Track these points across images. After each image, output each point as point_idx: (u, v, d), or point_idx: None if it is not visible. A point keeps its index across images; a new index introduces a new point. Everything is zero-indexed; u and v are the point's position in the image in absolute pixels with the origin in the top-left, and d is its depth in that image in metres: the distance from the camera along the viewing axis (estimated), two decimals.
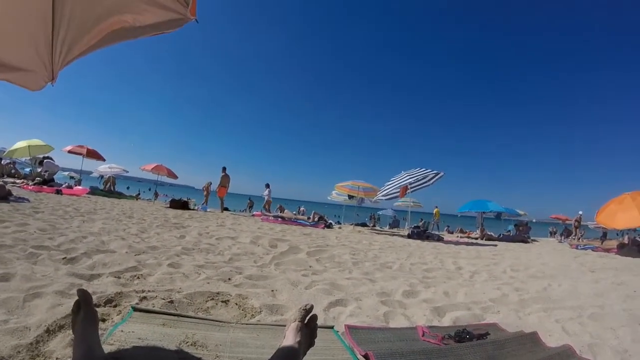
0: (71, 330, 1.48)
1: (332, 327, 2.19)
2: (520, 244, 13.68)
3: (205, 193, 15.76)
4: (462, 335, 2.23)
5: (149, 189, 30.21)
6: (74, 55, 1.90)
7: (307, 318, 1.62)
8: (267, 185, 16.35)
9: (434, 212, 22.61)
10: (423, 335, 2.22)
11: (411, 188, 12.52)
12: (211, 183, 15.66)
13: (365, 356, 1.78)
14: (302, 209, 21.11)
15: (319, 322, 1.68)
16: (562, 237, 21.20)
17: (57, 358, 1.46)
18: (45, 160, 14.78)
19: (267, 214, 13.65)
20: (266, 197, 15.78)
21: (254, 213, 15.08)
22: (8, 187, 8.61)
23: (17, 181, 13.73)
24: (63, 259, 3.06)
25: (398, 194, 12.95)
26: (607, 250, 11.22)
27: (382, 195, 13.45)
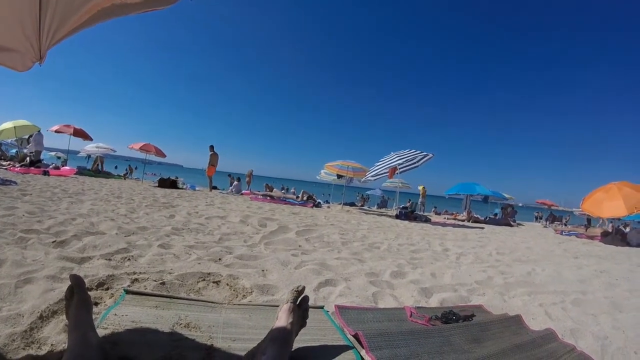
0: (65, 316, 1.48)
1: (322, 307, 2.24)
2: (506, 227, 13.90)
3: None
4: (449, 316, 2.29)
5: (135, 168, 29.95)
6: (62, 34, 1.85)
7: (299, 299, 1.66)
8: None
9: (420, 190, 22.46)
10: (411, 316, 2.28)
11: (400, 169, 12.59)
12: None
13: (355, 336, 1.81)
14: (292, 189, 21.18)
15: (310, 302, 1.72)
16: (547, 222, 21.63)
17: (51, 344, 1.46)
18: (35, 134, 14.50)
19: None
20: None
21: (243, 192, 15.07)
22: None
23: (4, 163, 13.47)
24: (53, 242, 3.03)
25: (387, 174, 13.03)
26: (591, 238, 11.44)
27: (371, 176, 13.53)
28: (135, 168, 30.08)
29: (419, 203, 21.87)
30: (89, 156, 22.11)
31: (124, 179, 16.36)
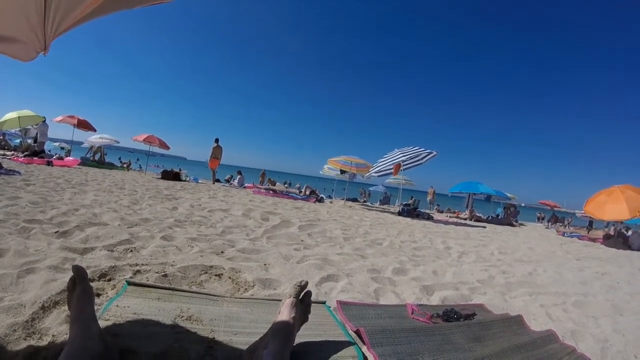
0: (67, 307, 1.48)
1: (324, 303, 2.23)
2: (508, 227, 13.86)
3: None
4: (450, 314, 2.29)
5: (137, 159, 29.92)
6: (67, 25, 1.84)
7: (302, 294, 1.65)
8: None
9: (429, 191, 23.12)
10: (412, 313, 2.27)
11: (404, 166, 12.57)
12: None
13: (357, 332, 1.81)
14: (297, 185, 21.30)
15: (311, 297, 1.72)
16: (550, 223, 21.60)
17: (53, 335, 1.46)
18: (40, 124, 14.51)
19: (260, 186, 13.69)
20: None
21: (246, 185, 15.09)
22: None
23: (7, 153, 13.52)
24: (55, 232, 3.04)
25: (391, 171, 13.02)
26: (593, 240, 11.39)
27: (375, 172, 13.51)
28: (137, 160, 30.03)
29: (427, 202, 22.25)
30: (91, 147, 22.22)
31: (127, 170, 16.40)
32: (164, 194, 7.37)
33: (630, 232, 13.54)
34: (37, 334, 1.46)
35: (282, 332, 1.43)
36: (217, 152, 14.42)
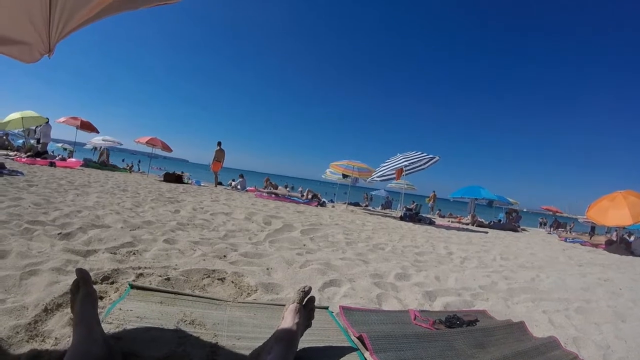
0: (70, 309, 1.48)
1: (326, 308, 2.23)
2: (510, 232, 13.80)
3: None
4: (453, 320, 2.28)
5: (139, 162, 29.98)
6: (72, 26, 1.84)
7: (305, 299, 1.65)
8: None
9: (430, 196, 23.13)
10: (415, 319, 2.27)
11: (406, 171, 12.56)
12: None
13: (360, 338, 1.81)
14: (300, 188, 21.35)
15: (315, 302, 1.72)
16: (552, 229, 21.53)
17: (56, 338, 1.46)
18: (43, 125, 14.55)
19: (261, 190, 13.70)
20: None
21: (248, 188, 15.11)
22: (1, 159, 8.50)
23: (10, 153, 13.58)
24: (58, 234, 3.04)
25: (393, 175, 13.02)
26: (595, 246, 11.34)
27: (377, 177, 13.51)
28: (139, 162, 30.09)
29: (428, 206, 22.22)
30: (95, 148, 22.26)
31: (130, 172, 16.44)
32: (166, 196, 7.38)
33: (632, 238, 13.48)
34: (40, 337, 1.46)
35: (286, 337, 1.43)
36: (219, 155, 14.45)
